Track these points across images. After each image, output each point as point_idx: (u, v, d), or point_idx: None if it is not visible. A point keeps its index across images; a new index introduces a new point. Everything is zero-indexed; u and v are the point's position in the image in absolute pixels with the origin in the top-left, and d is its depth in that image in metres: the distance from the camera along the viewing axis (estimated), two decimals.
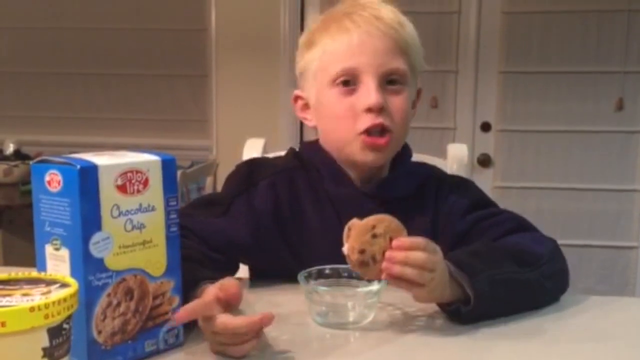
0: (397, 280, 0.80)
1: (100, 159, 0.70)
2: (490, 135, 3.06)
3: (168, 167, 0.76)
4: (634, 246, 3.01)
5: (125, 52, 3.31)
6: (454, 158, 1.38)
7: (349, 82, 1.01)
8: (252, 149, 1.40)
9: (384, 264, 0.80)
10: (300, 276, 0.88)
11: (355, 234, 0.82)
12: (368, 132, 1.00)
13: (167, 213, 0.76)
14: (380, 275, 0.81)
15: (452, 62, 3.03)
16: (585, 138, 2.98)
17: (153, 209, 0.74)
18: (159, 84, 3.32)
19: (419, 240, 0.81)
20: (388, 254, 0.80)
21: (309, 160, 1.09)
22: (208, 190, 2.95)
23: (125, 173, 0.71)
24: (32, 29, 3.35)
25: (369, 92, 0.99)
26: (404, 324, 0.88)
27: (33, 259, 0.72)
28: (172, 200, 0.76)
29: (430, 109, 3.05)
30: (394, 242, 0.80)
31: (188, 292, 0.80)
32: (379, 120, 0.99)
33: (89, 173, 0.68)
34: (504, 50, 2.99)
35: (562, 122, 2.99)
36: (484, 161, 3.06)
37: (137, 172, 0.72)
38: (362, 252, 0.81)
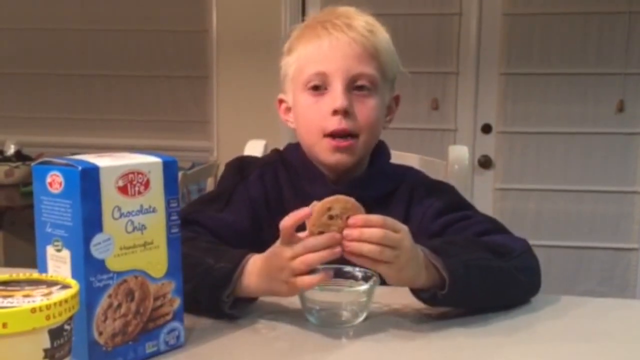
0: (358, 258, 0.80)
1: (101, 161, 0.70)
2: (491, 137, 3.06)
3: (169, 168, 0.76)
4: (635, 248, 3.01)
5: (126, 54, 3.31)
6: (455, 160, 1.39)
7: (319, 87, 1.07)
8: (253, 151, 1.41)
9: (343, 243, 0.80)
10: None
11: (313, 217, 0.82)
12: (333, 135, 1.05)
13: (168, 215, 0.76)
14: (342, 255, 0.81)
15: (453, 64, 3.03)
16: (586, 140, 2.98)
17: (154, 210, 0.74)
18: (159, 85, 3.32)
19: (374, 217, 0.81)
20: (344, 232, 0.80)
21: (289, 159, 1.15)
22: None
23: (127, 174, 0.71)
24: (33, 31, 3.35)
25: (335, 96, 1.05)
26: (396, 323, 0.89)
27: (34, 260, 0.72)
28: (173, 201, 0.77)
29: (431, 110, 3.06)
30: (349, 220, 0.81)
31: (234, 269, 0.85)
32: (343, 125, 1.05)
33: (90, 174, 0.68)
34: (504, 52, 3.00)
35: (562, 124, 2.99)
36: (485, 163, 3.06)
37: (138, 173, 0.72)
38: (320, 234, 0.81)
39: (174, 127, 3.32)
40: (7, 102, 3.40)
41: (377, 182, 1.12)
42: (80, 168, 0.67)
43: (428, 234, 1.06)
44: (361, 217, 0.81)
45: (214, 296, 0.85)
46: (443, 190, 1.14)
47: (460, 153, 1.40)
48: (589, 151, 2.98)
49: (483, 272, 0.89)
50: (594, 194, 2.99)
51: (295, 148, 1.17)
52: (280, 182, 1.13)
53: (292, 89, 1.13)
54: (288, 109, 1.16)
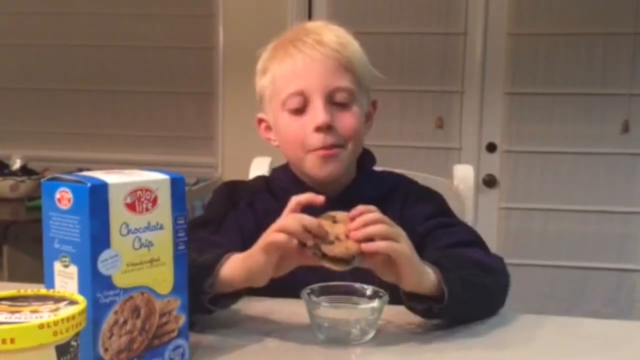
0: (370, 247, 0.83)
1: (110, 177, 0.71)
2: (496, 156, 3.06)
3: (177, 186, 0.76)
4: None
5: (132, 69, 3.33)
6: (460, 179, 1.39)
7: (298, 109, 1.07)
8: (259, 168, 1.41)
9: (352, 235, 0.83)
10: (303, 292, 0.89)
11: (318, 219, 0.85)
12: (318, 149, 1.06)
13: (175, 231, 0.76)
14: (346, 251, 0.83)
15: (458, 83, 3.04)
16: (591, 160, 2.98)
17: (161, 227, 0.75)
18: (165, 101, 3.34)
19: (371, 207, 0.87)
20: (351, 234, 0.84)
21: (276, 182, 1.17)
22: None
23: (135, 191, 0.72)
24: (40, 46, 3.38)
25: (316, 112, 1.05)
26: (405, 340, 0.89)
27: (38, 274, 0.72)
28: (181, 218, 0.77)
29: (435, 129, 3.06)
30: (350, 213, 0.85)
31: (213, 266, 0.87)
32: (328, 140, 1.06)
33: (99, 191, 0.68)
34: (509, 72, 3.00)
35: (567, 144, 2.99)
36: (490, 182, 3.06)
37: (146, 190, 0.73)
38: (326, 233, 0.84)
39: (179, 143, 3.33)
40: (14, 117, 3.42)
41: (367, 188, 1.14)
42: (89, 184, 0.68)
43: (416, 235, 1.07)
44: (360, 207, 0.86)
45: (195, 287, 0.84)
46: (432, 197, 1.18)
47: (465, 172, 1.40)
48: (594, 171, 2.98)
49: (475, 288, 0.92)
50: (599, 214, 2.98)
51: (282, 169, 1.18)
52: (270, 209, 1.11)
53: (271, 109, 1.13)
54: (268, 128, 1.17)
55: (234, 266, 0.88)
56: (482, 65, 3.01)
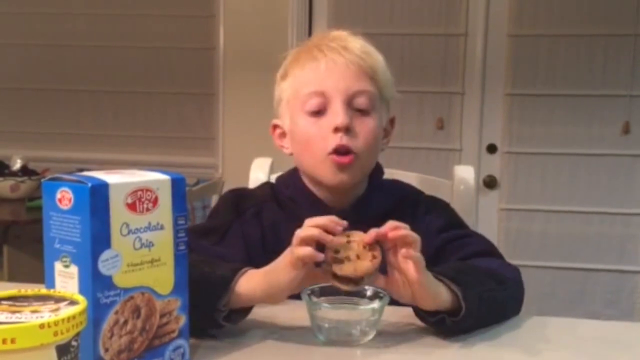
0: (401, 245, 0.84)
1: (111, 177, 0.71)
2: (496, 157, 3.06)
3: (177, 186, 0.76)
4: None
5: (133, 70, 3.34)
6: (461, 180, 1.39)
7: (317, 112, 1.06)
8: (260, 169, 1.41)
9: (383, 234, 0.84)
10: (304, 293, 0.89)
11: (333, 239, 0.85)
12: (335, 152, 1.05)
13: (176, 232, 0.76)
14: (354, 272, 0.83)
15: (459, 84, 3.04)
16: (592, 161, 2.97)
17: (162, 227, 0.75)
18: (166, 101, 3.34)
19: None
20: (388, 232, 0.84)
21: (284, 192, 1.15)
22: None
23: (135, 191, 0.72)
24: (40, 46, 3.38)
25: (336, 113, 1.04)
26: (404, 342, 0.89)
27: (38, 274, 0.72)
28: (181, 219, 0.77)
29: (436, 130, 3.06)
30: (387, 225, 0.85)
31: (229, 284, 0.86)
32: (344, 141, 1.04)
33: (100, 191, 0.68)
34: (510, 73, 3.01)
35: (568, 145, 2.99)
36: (490, 183, 3.06)
37: (147, 190, 0.73)
38: (337, 252, 0.84)
39: (179, 144, 3.33)
40: (14, 117, 3.42)
41: (377, 200, 1.13)
42: (90, 184, 0.67)
43: (431, 248, 1.06)
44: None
45: (209, 304, 0.84)
46: (441, 207, 1.17)
47: (466, 173, 1.40)
48: (595, 172, 2.98)
49: (492, 305, 0.92)
50: (600, 215, 2.98)
51: (289, 178, 1.16)
52: (276, 220, 1.12)
53: (289, 112, 1.11)
54: (283, 135, 1.15)
55: (254, 283, 0.87)
56: (482, 66, 3.01)
